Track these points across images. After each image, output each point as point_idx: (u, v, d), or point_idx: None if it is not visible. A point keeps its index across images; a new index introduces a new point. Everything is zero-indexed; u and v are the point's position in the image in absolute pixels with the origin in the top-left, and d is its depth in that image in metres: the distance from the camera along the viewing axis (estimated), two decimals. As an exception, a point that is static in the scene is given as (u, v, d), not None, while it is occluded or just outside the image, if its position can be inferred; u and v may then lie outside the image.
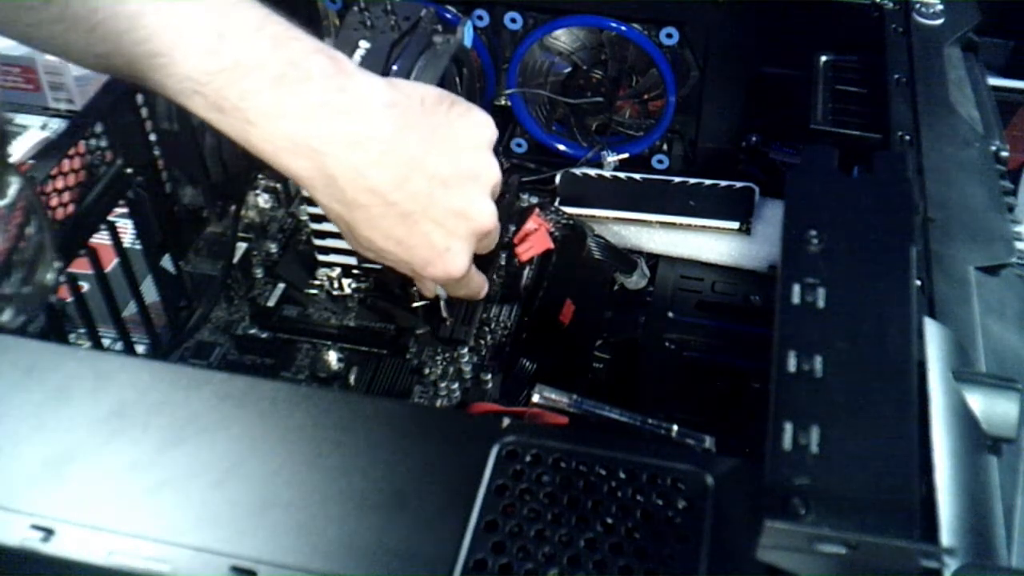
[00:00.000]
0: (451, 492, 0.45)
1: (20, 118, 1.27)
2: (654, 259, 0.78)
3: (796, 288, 0.41)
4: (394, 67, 0.66)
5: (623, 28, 0.80)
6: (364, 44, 0.68)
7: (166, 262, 0.75)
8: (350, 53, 0.67)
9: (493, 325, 0.71)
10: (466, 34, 0.69)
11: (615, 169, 0.85)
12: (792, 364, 0.38)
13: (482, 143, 0.56)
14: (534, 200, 0.80)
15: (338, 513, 0.44)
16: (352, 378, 0.69)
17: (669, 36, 0.80)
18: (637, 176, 0.81)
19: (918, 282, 0.47)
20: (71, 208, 0.63)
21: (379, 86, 0.52)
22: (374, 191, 0.52)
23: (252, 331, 0.74)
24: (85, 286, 0.66)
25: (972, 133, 0.61)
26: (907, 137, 0.58)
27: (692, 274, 0.76)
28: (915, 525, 0.33)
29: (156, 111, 0.68)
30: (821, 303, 0.40)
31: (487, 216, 0.56)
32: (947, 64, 0.66)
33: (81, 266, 0.65)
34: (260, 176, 0.81)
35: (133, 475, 0.43)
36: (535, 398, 0.54)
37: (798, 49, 0.74)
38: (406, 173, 0.52)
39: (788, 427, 0.36)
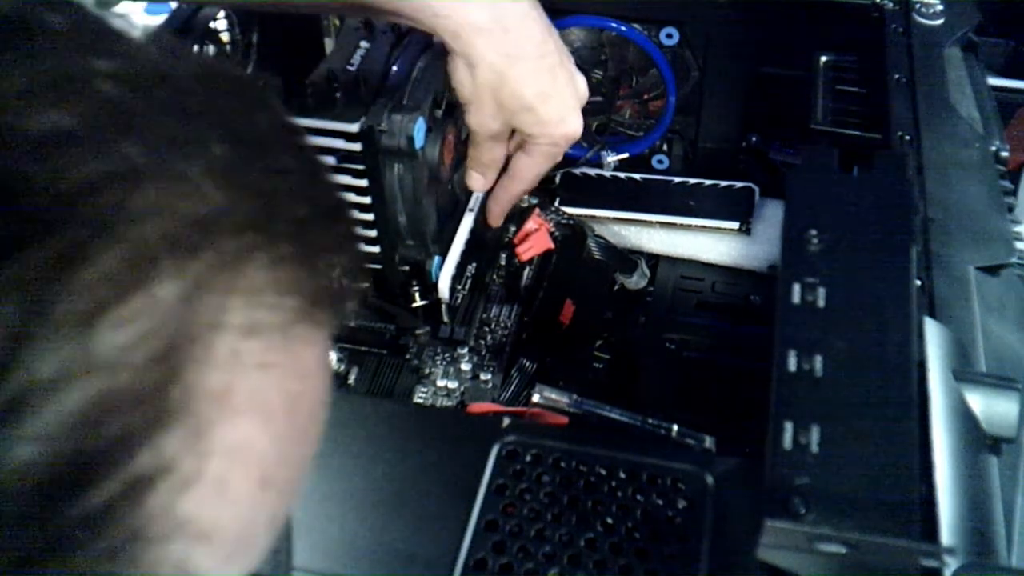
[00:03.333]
0: (451, 492, 0.45)
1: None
2: (654, 259, 0.77)
3: (796, 287, 0.41)
4: (394, 68, 0.66)
5: (623, 28, 0.80)
6: (364, 44, 0.68)
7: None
8: (350, 53, 0.67)
9: (493, 325, 0.71)
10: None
11: (615, 169, 0.85)
12: (792, 363, 0.38)
13: None
14: (534, 200, 0.80)
15: (338, 513, 0.44)
16: (352, 378, 0.69)
17: (669, 36, 0.80)
18: (637, 176, 0.81)
19: (918, 282, 0.47)
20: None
21: None
22: (533, 40, 0.59)
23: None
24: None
25: (972, 133, 0.61)
26: (907, 137, 0.58)
27: (692, 274, 0.76)
28: (915, 524, 0.33)
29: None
30: (821, 302, 0.40)
31: (581, 103, 0.65)
32: (947, 64, 0.66)
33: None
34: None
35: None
36: (535, 398, 0.54)
37: (798, 49, 0.74)
38: (548, 29, 0.61)
39: (788, 426, 0.36)
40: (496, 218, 0.73)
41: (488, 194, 0.72)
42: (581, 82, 0.65)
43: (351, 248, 0.26)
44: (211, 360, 0.20)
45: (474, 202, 0.72)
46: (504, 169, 0.69)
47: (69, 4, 0.22)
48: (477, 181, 0.69)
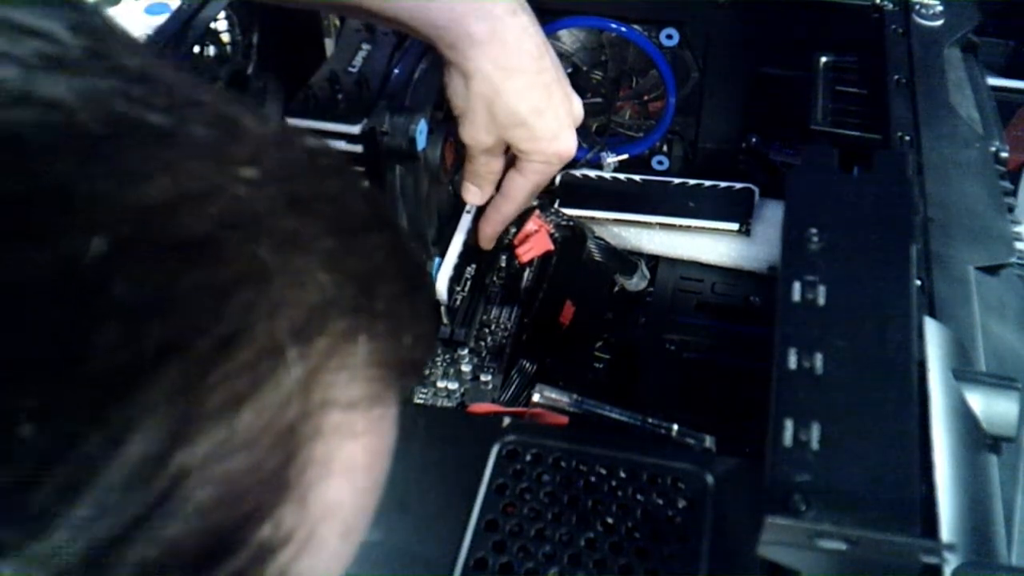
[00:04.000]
0: (452, 491, 0.45)
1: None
2: (654, 260, 0.78)
3: (796, 286, 0.41)
4: (395, 70, 0.66)
5: (623, 29, 0.80)
6: (365, 46, 0.68)
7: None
8: (351, 56, 0.67)
9: (493, 326, 0.71)
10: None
11: (615, 170, 0.85)
12: (793, 361, 0.38)
13: None
14: (534, 202, 0.80)
15: (338, 512, 0.44)
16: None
17: (669, 37, 0.80)
18: (637, 177, 0.81)
19: (918, 282, 0.47)
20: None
21: None
22: (530, 54, 0.59)
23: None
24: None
25: (972, 134, 0.61)
26: (907, 137, 0.58)
27: (692, 275, 0.76)
28: (915, 521, 0.33)
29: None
30: (822, 300, 0.40)
31: (576, 123, 0.65)
32: (947, 65, 0.66)
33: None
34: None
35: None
36: (536, 397, 0.54)
37: (798, 50, 0.74)
38: (545, 42, 0.61)
39: (789, 424, 0.36)
40: (488, 240, 0.72)
41: (481, 211, 0.71)
42: (576, 102, 0.65)
43: (429, 320, 0.28)
44: (320, 434, 0.22)
45: (471, 204, 0.72)
46: (496, 190, 0.69)
47: (203, 107, 0.23)
48: (473, 194, 0.69)
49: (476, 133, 0.62)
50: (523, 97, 0.60)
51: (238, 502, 0.21)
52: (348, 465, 0.24)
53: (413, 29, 0.57)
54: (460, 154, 0.69)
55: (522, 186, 0.67)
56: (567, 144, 0.64)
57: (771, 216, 0.74)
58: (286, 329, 0.21)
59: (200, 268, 0.20)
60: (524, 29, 0.59)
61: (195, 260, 0.20)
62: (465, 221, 0.71)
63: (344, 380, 0.23)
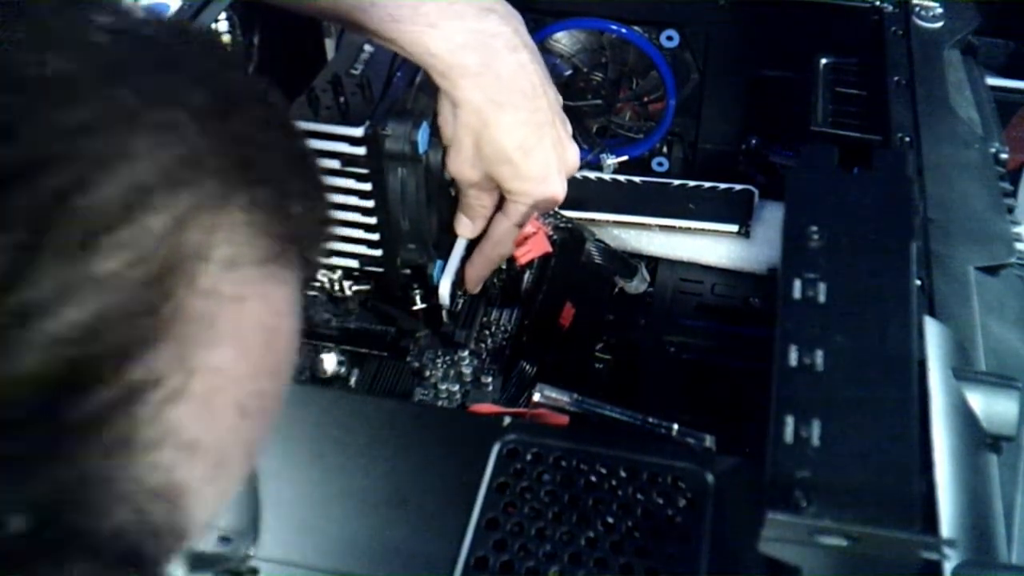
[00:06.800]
0: (452, 490, 0.45)
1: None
2: (654, 262, 0.78)
3: (797, 283, 0.41)
4: (398, 73, 0.66)
5: (623, 30, 0.81)
6: (368, 48, 0.68)
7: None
8: (354, 57, 0.67)
9: (493, 328, 0.71)
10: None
11: (614, 172, 0.85)
12: (793, 358, 0.38)
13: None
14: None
15: (340, 511, 0.44)
16: (353, 380, 0.69)
17: (669, 39, 0.80)
18: (636, 179, 0.81)
19: (918, 281, 0.47)
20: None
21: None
22: (525, 92, 0.58)
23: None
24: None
25: (971, 135, 0.61)
26: (907, 139, 0.59)
27: (692, 276, 0.76)
28: (915, 517, 0.33)
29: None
30: (822, 298, 0.40)
31: (569, 172, 0.64)
32: (946, 66, 0.66)
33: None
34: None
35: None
36: (536, 396, 0.54)
37: (798, 52, 0.74)
38: (543, 83, 0.59)
39: (789, 420, 0.36)
40: (473, 284, 0.70)
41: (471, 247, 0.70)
42: (572, 151, 0.63)
43: (319, 196, 0.29)
44: (195, 287, 0.23)
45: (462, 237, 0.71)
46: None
47: None
48: (464, 227, 0.68)
49: (462, 166, 0.61)
50: (511, 133, 0.58)
51: (100, 339, 0.21)
52: (236, 333, 0.24)
53: (409, 53, 0.56)
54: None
55: (506, 227, 0.65)
56: (554, 189, 0.62)
57: (771, 218, 0.74)
58: (150, 174, 0.22)
59: (57, 104, 0.21)
60: (522, 66, 0.58)
61: (51, 96, 0.21)
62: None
63: (222, 237, 0.23)
